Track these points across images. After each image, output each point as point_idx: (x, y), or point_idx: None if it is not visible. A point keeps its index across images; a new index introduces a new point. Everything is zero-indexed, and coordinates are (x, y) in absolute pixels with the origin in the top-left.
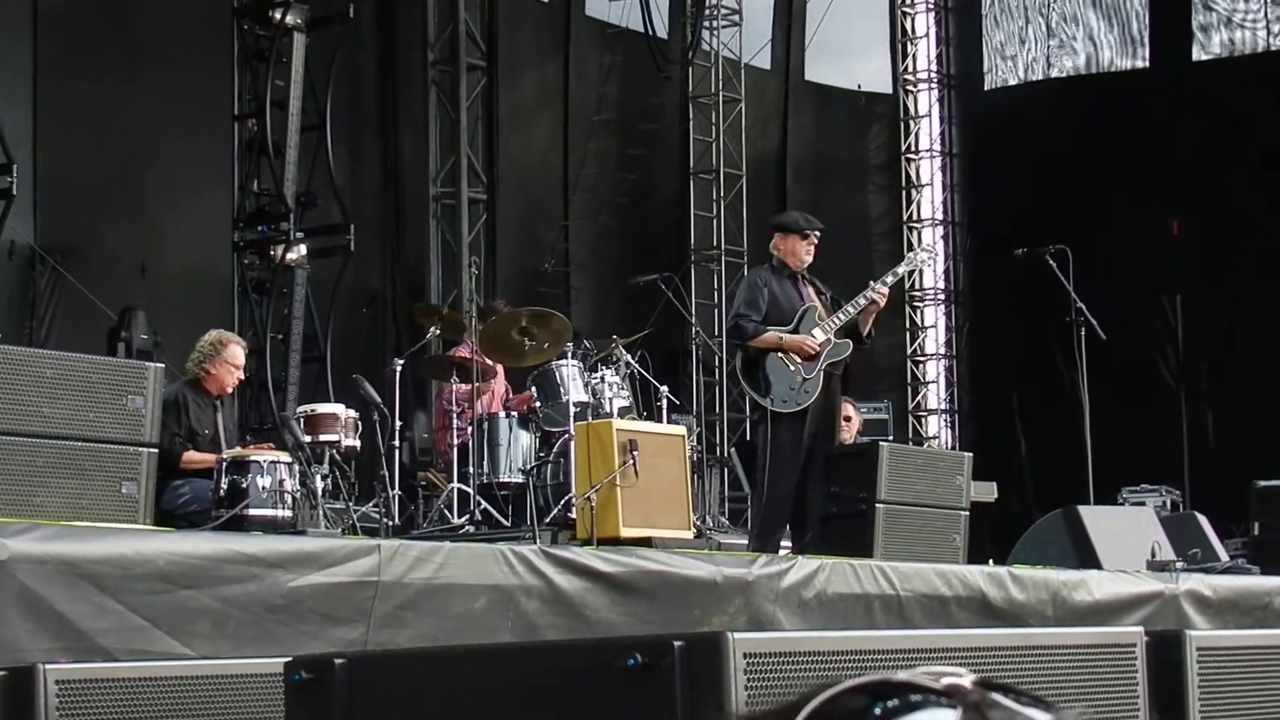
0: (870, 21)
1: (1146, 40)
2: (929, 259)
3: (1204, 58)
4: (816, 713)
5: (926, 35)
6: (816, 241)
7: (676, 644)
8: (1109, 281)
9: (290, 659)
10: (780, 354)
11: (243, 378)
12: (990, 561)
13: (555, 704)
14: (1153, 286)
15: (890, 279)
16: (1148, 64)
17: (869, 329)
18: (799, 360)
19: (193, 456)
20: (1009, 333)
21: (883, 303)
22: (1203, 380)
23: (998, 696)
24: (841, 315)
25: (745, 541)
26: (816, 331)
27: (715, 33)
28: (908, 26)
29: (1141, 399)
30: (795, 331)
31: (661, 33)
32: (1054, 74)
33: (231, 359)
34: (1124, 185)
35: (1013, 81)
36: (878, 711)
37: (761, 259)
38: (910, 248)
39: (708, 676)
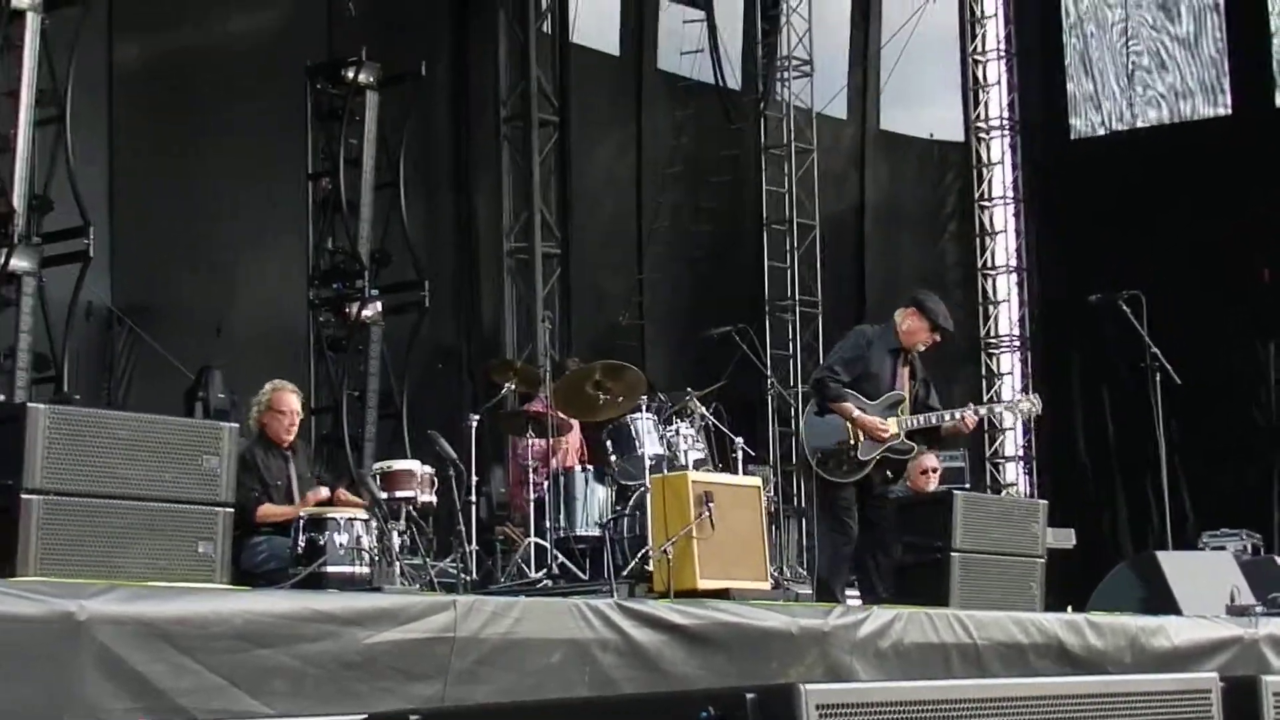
0: (941, 69)
1: (1227, 87)
2: (1032, 410)
3: None
4: None
5: (999, 83)
6: (938, 341)
7: (749, 696)
8: (1195, 328)
9: (365, 716)
10: (848, 423)
11: (295, 422)
12: (1069, 609)
13: None
14: (1243, 332)
15: (984, 410)
16: (1229, 111)
17: (942, 439)
18: (863, 439)
19: (267, 510)
20: (1086, 379)
21: (969, 429)
22: None
23: None
24: (923, 419)
25: None
26: (892, 422)
27: (786, 83)
28: (979, 74)
29: (1232, 444)
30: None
31: (733, 84)
32: (1138, 124)
33: (275, 405)
34: (1208, 232)
35: (1097, 130)
36: None
37: (838, 309)
38: (985, 296)
39: None
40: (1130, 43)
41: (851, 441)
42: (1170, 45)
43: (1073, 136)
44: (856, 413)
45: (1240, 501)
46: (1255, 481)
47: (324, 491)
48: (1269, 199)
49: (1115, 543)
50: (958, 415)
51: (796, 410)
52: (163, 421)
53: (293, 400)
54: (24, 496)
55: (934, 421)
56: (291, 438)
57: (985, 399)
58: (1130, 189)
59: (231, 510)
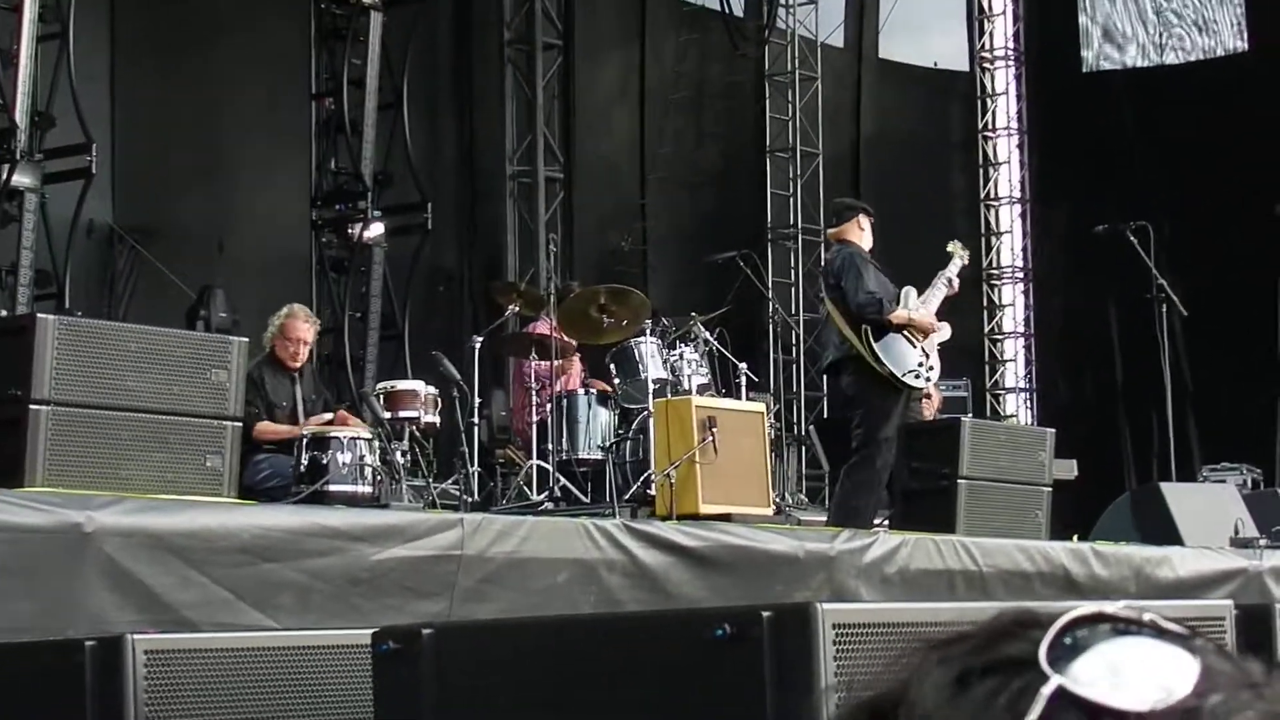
0: None
1: (1244, 24)
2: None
3: None
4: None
5: (1004, 12)
6: None
7: (765, 615)
8: (1205, 261)
9: (377, 630)
10: (905, 332)
11: (303, 350)
12: (1074, 538)
13: (643, 674)
14: (1252, 267)
15: (954, 265)
16: (1247, 48)
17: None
18: (921, 340)
19: (265, 427)
20: (1089, 311)
21: (957, 288)
22: None
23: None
24: (933, 296)
25: (824, 518)
26: (923, 311)
27: (791, 11)
28: (984, 4)
29: (1240, 379)
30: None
31: (738, 11)
32: (1153, 59)
33: (287, 333)
34: (1221, 170)
35: (1107, 64)
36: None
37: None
38: (988, 227)
39: (796, 647)
40: None
41: (915, 347)
42: None
43: (1084, 70)
44: (912, 314)
45: (1246, 435)
46: (1261, 416)
47: (325, 415)
48: None
49: (1118, 474)
50: (946, 277)
51: (799, 337)
52: (171, 334)
53: (303, 329)
54: (32, 407)
55: (942, 291)
56: (299, 364)
57: (987, 330)
58: (1142, 123)
59: (240, 424)
